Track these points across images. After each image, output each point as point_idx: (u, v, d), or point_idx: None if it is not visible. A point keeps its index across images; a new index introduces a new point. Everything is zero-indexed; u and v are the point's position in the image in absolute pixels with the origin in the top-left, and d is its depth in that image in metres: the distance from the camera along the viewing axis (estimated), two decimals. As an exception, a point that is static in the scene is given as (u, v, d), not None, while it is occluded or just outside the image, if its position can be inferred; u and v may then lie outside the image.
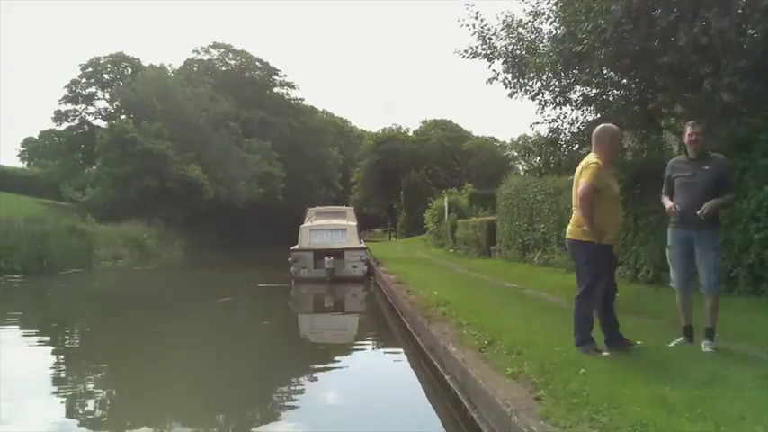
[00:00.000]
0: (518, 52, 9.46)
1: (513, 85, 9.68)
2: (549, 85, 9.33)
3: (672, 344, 5.50)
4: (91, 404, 6.27)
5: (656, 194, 9.12)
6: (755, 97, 7.48)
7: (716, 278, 5.37)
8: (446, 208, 27.46)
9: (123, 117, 40.44)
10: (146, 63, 45.60)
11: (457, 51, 10.00)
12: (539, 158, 10.48)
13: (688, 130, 5.35)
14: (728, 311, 6.73)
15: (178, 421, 5.72)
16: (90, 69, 44.73)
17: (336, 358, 8.89)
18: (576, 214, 5.07)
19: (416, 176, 50.50)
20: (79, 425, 5.50)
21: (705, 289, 5.39)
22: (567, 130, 9.88)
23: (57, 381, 7.21)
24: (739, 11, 7.14)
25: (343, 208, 23.70)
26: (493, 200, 20.84)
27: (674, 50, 7.51)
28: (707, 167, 5.26)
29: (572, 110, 9.73)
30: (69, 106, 44.63)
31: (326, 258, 16.99)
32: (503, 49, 9.58)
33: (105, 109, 45.41)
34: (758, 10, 7.00)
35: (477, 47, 9.73)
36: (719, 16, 6.92)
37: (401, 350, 8.73)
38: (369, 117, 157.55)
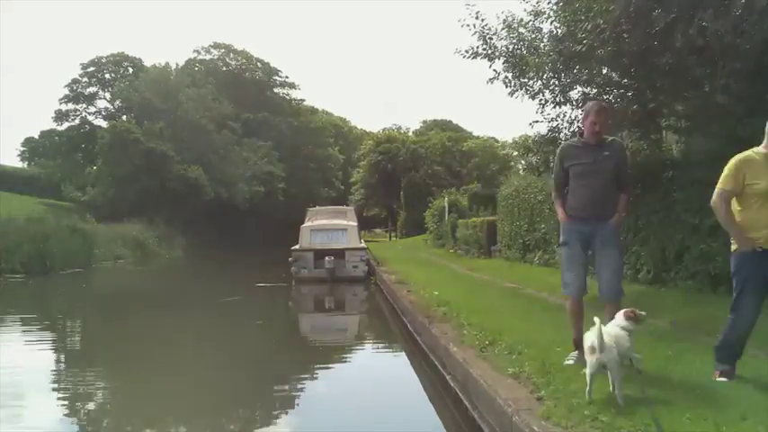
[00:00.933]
0: (518, 52, 9.46)
1: (513, 84, 9.69)
2: (549, 85, 9.33)
3: (568, 362, 4.66)
4: (91, 404, 6.27)
5: (656, 194, 9.18)
6: (750, 99, 7.47)
7: (619, 282, 4.77)
8: (446, 208, 27.46)
9: (124, 117, 40.46)
10: (147, 63, 45.70)
11: (458, 51, 10.00)
12: (538, 157, 10.46)
13: (591, 116, 4.69)
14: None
15: (178, 420, 5.73)
16: (91, 69, 44.78)
17: (337, 358, 8.90)
18: None
19: (416, 176, 50.48)
20: (79, 424, 5.51)
21: (607, 294, 4.73)
22: (567, 129, 9.88)
23: (58, 380, 7.23)
24: (736, 12, 7.14)
25: (344, 208, 23.72)
26: (493, 200, 20.84)
27: (672, 51, 7.52)
28: (607, 153, 4.72)
29: (572, 109, 9.74)
30: (70, 106, 44.69)
31: (327, 258, 17.00)
32: (503, 48, 9.58)
33: (106, 108, 45.45)
34: (755, 12, 7.00)
35: (477, 47, 9.73)
36: (716, 18, 6.92)
37: (402, 350, 8.74)
38: (369, 117, 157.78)
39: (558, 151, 5.03)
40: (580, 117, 9.81)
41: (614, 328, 3.99)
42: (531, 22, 9.45)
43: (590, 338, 3.73)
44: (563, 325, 6.74)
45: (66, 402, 6.23)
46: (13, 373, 7.14)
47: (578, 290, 4.84)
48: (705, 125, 8.09)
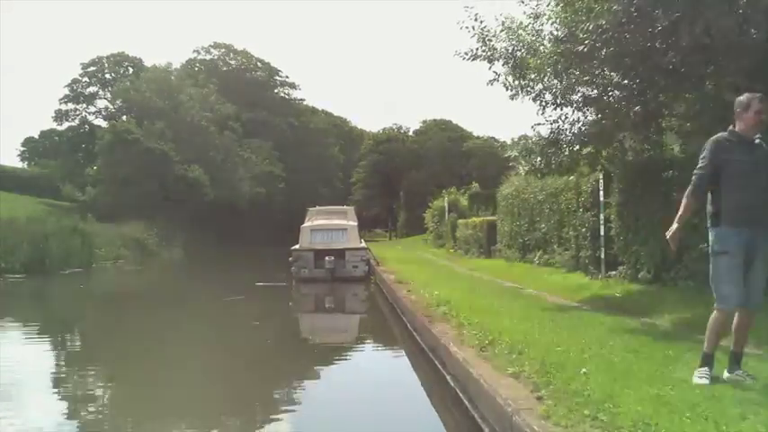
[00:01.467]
0: (518, 53, 9.45)
1: (513, 86, 9.68)
2: (549, 86, 9.32)
3: (701, 380, 4.19)
4: (90, 404, 6.26)
5: (656, 194, 9.18)
6: None
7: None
8: (446, 208, 27.49)
9: (125, 117, 40.45)
10: (147, 63, 45.71)
11: (457, 53, 9.98)
12: (539, 159, 10.44)
13: (756, 105, 4.25)
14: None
15: (178, 421, 5.73)
16: (92, 68, 44.79)
17: (337, 358, 8.90)
18: None
19: (416, 176, 50.54)
20: (79, 424, 5.50)
21: (756, 302, 4.33)
22: (569, 131, 9.87)
23: (58, 380, 7.22)
24: (740, 11, 7.14)
25: (344, 208, 23.70)
26: (493, 199, 20.86)
27: (676, 51, 7.51)
28: (764, 150, 4.32)
29: (573, 111, 9.72)
30: (70, 106, 44.70)
31: (327, 258, 17.00)
32: (503, 50, 9.57)
33: (106, 108, 45.45)
34: (760, 10, 7.00)
35: (477, 48, 9.71)
36: (721, 16, 6.92)
37: (402, 350, 8.74)
38: (369, 117, 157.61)
39: (710, 145, 4.34)
40: (582, 119, 9.88)
41: None
42: (530, 24, 9.44)
43: None
44: (563, 325, 6.77)
45: (65, 402, 6.24)
46: (11, 373, 7.15)
47: (738, 303, 4.23)
48: (706, 124, 8.09)
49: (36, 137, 46.93)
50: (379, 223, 62.94)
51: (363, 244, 19.41)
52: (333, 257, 17.03)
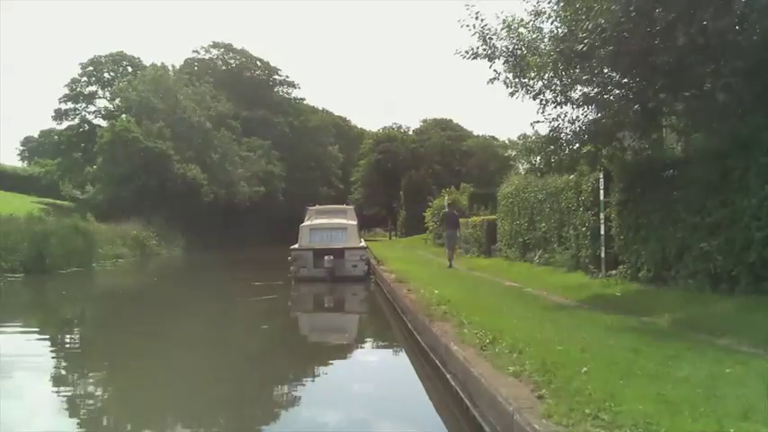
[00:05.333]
0: (519, 52, 9.46)
1: (513, 84, 9.68)
2: (549, 85, 9.32)
3: None
4: (91, 404, 6.25)
5: (656, 193, 9.18)
6: (751, 97, 7.46)
7: None
8: (446, 207, 27.46)
9: (123, 116, 40.41)
10: (146, 62, 45.63)
11: (458, 52, 10.00)
12: (539, 158, 10.45)
13: None
14: (729, 310, 6.75)
15: (178, 421, 5.72)
16: (90, 68, 44.72)
17: (337, 357, 8.89)
18: None
19: (416, 176, 50.46)
20: (79, 424, 5.49)
21: None
22: (568, 129, 9.87)
23: (57, 380, 7.21)
24: (737, 11, 7.14)
25: (344, 207, 23.66)
26: (493, 199, 20.85)
27: (673, 50, 7.51)
28: None
29: (573, 109, 9.73)
30: (70, 105, 44.62)
31: (326, 257, 16.96)
32: (504, 48, 9.58)
33: (106, 108, 45.40)
34: (756, 10, 7.00)
35: (477, 47, 9.73)
36: (717, 16, 6.92)
37: (402, 349, 8.74)
38: (369, 117, 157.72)
39: None
40: (581, 117, 9.87)
41: None
42: (531, 22, 9.45)
43: None
44: (563, 324, 6.76)
45: (64, 402, 6.22)
46: (10, 373, 7.14)
47: None
48: (706, 123, 8.09)
49: (35, 136, 46.94)
50: (378, 223, 62.83)
51: (363, 243, 19.38)
52: (332, 257, 16.99)
